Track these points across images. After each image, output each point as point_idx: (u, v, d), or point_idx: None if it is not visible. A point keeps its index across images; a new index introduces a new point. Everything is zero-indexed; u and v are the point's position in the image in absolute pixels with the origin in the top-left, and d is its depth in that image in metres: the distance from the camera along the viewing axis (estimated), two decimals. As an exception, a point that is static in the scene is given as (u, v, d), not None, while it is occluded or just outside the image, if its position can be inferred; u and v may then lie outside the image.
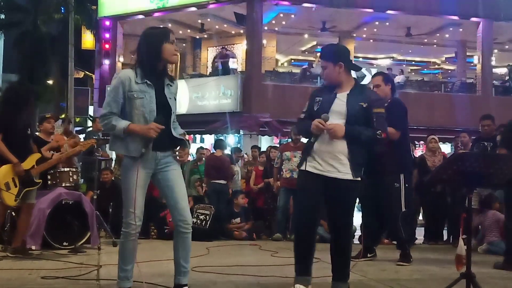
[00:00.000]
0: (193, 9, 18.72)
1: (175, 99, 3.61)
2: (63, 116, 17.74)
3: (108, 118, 3.45)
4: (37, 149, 5.78)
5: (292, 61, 24.90)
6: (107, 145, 5.36)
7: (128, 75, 3.46)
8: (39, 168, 5.55)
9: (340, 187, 3.68)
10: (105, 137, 7.42)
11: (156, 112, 3.45)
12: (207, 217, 7.79)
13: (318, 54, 23.55)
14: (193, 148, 12.56)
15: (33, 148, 5.69)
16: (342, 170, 3.68)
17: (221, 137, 14.75)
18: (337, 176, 3.67)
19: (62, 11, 22.00)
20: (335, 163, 3.68)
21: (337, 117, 3.70)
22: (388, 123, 5.35)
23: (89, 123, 20.39)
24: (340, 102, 3.76)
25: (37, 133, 6.57)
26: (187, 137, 3.67)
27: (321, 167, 3.68)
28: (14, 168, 5.29)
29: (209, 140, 18.25)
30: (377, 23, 19.87)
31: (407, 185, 5.46)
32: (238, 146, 14.55)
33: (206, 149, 11.30)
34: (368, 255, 5.68)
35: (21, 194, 5.35)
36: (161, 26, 3.66)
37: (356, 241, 7.66)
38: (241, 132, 16.87)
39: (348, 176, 3.68)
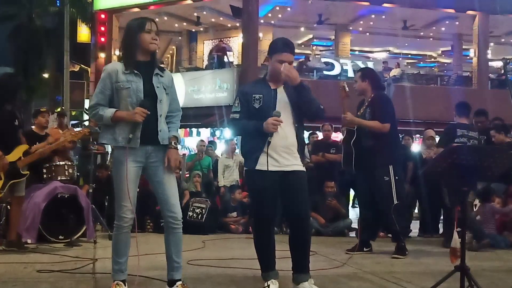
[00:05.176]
0: (189, 2, 18.63)
1: (165, 89, 3.54)
2: (58, 109, 17.67)
3: (95, 109, 3.49)
4: (26, 141, 5.65)
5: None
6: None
7: (116, 67, 3.50)
8: (26, 159, 5.47)
9: (298, 179, 3.73)
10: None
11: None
12: (203, 210, 7.78)
13: (315, 47, 23.56)
14: (193, 142, 12.51)
15: (22, 140, 5.58)
16: (297, 162, 3.76)
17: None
18: (294, 168, 3.73)
19: (57, 4, 21.91)
20: (289, 156, 3.74)
21: (284, 110, 3.72)
22: (374, 118, 5.42)
23: (85, 117, 20.34)
24: (282, 95, 3.80)
25: (32, 127, 6.54)
26: (181, 132, 3.65)
27: (277, 163, 3.70)
28: None
29: (205, 134, 18.21)
30: (373, 16, 19.83)
31: (397, 177, 5.47)
32: (234, 139, 14.51)
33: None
34: (364, 249, 5.71)
35: (6, 187, 5.27)
36: (140, 17, 3.59)
37: (352, 234, 7.73)
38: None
39: (302, 167, 3.78)
